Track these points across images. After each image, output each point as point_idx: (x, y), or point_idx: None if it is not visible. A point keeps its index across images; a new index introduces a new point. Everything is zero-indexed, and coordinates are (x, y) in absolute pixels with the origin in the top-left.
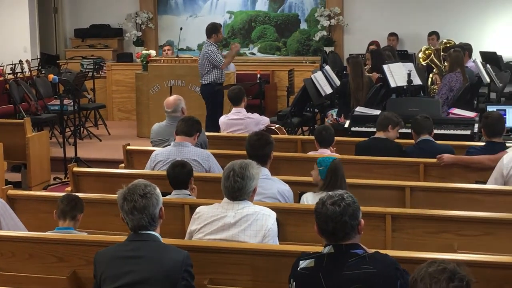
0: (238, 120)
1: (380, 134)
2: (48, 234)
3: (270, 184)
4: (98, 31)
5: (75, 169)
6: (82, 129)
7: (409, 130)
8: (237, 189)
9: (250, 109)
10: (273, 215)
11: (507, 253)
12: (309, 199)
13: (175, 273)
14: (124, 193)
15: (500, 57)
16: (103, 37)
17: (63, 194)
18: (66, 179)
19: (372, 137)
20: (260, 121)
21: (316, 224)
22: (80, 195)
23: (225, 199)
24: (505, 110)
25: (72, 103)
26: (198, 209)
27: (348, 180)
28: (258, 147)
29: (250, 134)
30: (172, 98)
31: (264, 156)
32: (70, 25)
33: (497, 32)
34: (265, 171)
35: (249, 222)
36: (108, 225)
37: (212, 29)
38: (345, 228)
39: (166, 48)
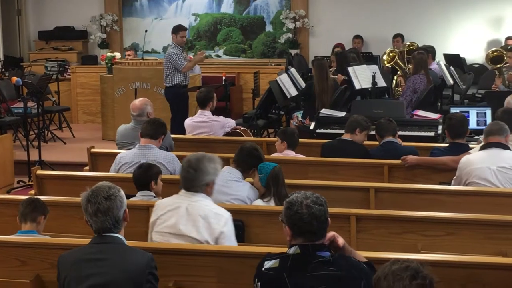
0: (203, 123)
1: (347, 136)
2: (11, 238)
3: (241, 187)
4: (63, 34)
5: (39, 172)
6: (46, 132)
7: (373, 132)
8: (189, 179)
9: (215, 111)
10: (226, 215)
11: (470, 252)
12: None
13: (139, 276)
14: (88, 195)
15: (464, 59)
16: (67, 40)
17: (25, 197)
18: (30, 182)
19: (338, 138)
20: (226, 124)
21: (292, 226)
22: (43, 198)
23: (182, 190)
24: (468, 112)
25: (36, 106)
26: (157, 202)
27: (313, 182)
28: (248, 156)
29: (244, 144)
30: (138, 101)
31: (248, 165)
32: (34, 27)
33: (461, 35)
34: (238, 174)
35: (201, 222)
36: (72, 228)
37: (173, 29)
38: (325, 227)
39: (128, 53)
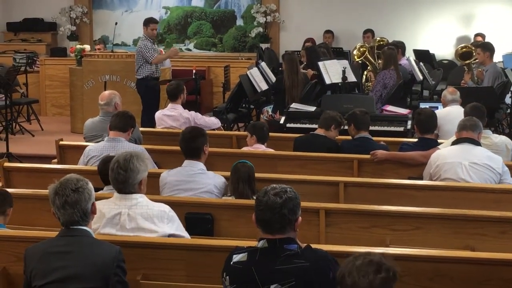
0: (172, 117)
1: (320, 131)
2: None
3: (206, 179)
4: (31, 25)
5: (6, 164)
6: (14, 124)
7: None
8: (121, 181)
9: (186, 105)
10: (167, 209)
11: (438, 247)
12: None
13: (107, 269)
14: (55, 188)
15: (433, 55)
16: (36, 31)
17: None
18: None
19: (311, 133)
20: (195, 119)
21: (254, 213)
22: (10, 190)
23: (115, 193)
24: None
25: (3, 98)
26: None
27: (282, 176)
28: (190, 140)
29: (184, 129)
30: (107, 91)
31: (196, 149)
32: (2, 18)
33: (430, 31)
34: (200, 165)
35: (148, 224)
36: (40, 220)
37: (144, 22)
38: (282, 221)
39: (97, 46)
